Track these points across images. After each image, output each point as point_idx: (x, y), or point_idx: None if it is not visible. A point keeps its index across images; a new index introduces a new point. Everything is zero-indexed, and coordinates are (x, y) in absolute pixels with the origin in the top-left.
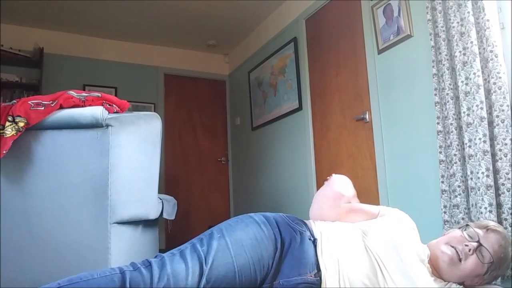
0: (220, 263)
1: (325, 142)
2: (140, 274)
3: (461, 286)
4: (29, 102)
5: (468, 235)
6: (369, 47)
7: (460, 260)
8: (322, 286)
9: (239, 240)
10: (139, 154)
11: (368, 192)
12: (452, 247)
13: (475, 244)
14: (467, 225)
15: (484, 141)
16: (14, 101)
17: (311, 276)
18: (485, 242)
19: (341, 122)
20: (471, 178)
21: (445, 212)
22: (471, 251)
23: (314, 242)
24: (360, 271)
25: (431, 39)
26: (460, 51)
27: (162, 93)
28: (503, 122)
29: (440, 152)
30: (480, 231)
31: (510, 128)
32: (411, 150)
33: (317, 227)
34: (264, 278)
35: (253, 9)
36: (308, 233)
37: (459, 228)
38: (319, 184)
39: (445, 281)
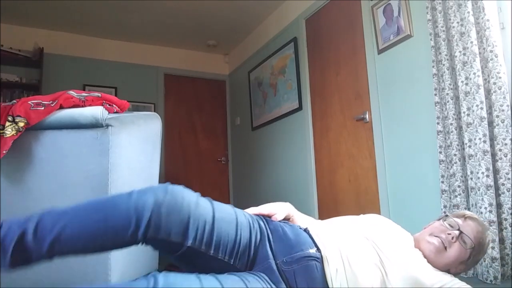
0: (225, 211)
1: (325, 142)
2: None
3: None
4: (29, 102)
5: (449, 224)
6: (369, 47)
7: (445, 248)
8: (324, 263)
9: (230, 210)
10: (139, 154)
11: (368, 192)
12: (437, 236)
13: (457, 232)
14: (446, 215)
15: (484, 141)
16: (14, 101)
17: (313, 251)
18: (465, 229)
19: (341, 122)
20: (471, 178)
21: (445, 212)
22: (454, 239)
23: (306, 230)
24: (360, 250)
25: (431, 39)
26: (460, 51)
27: (162, 93)
28: (503, 122)
29: (440, 152)
30: (459, 220)
31: (510, 128)
32: (411, 150)
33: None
34: (256, 246)
35: (253, 9)
36: (297, 226)
37: (439, 219)
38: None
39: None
